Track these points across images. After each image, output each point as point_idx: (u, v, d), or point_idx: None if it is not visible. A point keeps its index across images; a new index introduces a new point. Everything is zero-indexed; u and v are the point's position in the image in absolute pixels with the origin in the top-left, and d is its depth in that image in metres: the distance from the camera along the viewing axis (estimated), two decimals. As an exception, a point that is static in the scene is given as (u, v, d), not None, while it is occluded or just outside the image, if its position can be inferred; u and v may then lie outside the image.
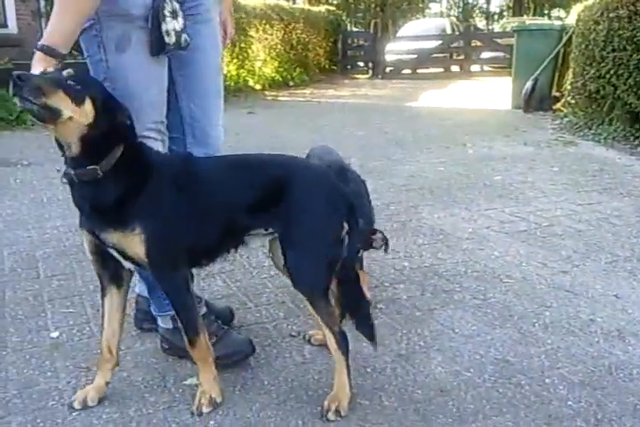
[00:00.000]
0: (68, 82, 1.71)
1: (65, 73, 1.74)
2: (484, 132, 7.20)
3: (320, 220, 1.99)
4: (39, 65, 1.80)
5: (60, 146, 1.80)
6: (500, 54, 14.89)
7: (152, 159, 1.92)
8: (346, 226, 2.00)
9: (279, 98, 11.85)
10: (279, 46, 14.31)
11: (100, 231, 1.85)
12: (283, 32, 14.45)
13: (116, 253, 1.91)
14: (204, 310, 2.35)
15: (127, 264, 1.96)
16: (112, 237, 1.85)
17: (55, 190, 4.44)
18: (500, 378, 2.15)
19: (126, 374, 2.19)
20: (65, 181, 1.87)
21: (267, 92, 12.53)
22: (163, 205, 1.89)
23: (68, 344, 2.41)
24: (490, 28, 22.82)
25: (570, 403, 2.00)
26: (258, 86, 12.79)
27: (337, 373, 2.00)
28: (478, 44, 16.40)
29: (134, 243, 1.84)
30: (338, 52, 17.29)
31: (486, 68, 16.63)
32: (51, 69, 1.77)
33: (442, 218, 3.94)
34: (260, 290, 2.90)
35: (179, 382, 2.15)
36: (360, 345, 2.37)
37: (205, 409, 1.96)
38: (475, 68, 16.46)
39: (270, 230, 2.05)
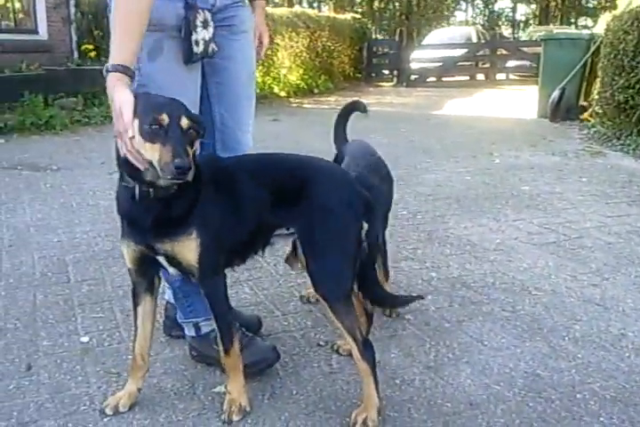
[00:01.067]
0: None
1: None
2: (510, 141, 7.16)
3: (339, 220, 1.98)
4: (121, 86, 1.78)
5: (131, 165, 1.77)
6: (527, 63, 14.80)
7: (197, 165, 1.94)
8: (365, 225, 2.00)
9: (304, 105, 11.89)
10: (304, 54, 14.36)
11: (155, 241, 1.87)
12: (308, 40, 14.51)
13: (164, 261, 1.93)
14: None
15: (172, 271, 1.97)
16: (167, 245, 1.87)
17: (85, 195, 4.49)
18: (530, 392, 2.13)
19: (156, 380, 2.21)
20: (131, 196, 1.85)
21: (291, 100, 12.58)
22: (211, 208, 1.92)
23: (98, 349, 2.43)
24: (516, 36, 22.70)
25: (602, 419, 1.97)
26: (283, 93, 12.84)
27: (364, 383, 1.98)
28: (504, 52, 16.31)
29: (189, 248, 1.86)
30: (363, 59, 17.31)
31: (512, 76, 16.56)
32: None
33: (469, 228, 3.92)
34: (288, 298, 2.90)
35: (208, 389, 2.15)
36: (388, 356, 2.37)
37: (235, 417, 1.97)
38: (500, 76, 16.38)
39: (292, 230, 2.06)
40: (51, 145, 6.93)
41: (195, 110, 2.19)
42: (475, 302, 2.84)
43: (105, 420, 1.99)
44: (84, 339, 2.51)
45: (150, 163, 1.70)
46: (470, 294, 2.93)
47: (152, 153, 1.69)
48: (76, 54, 11.55)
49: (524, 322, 2.64)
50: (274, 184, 2.01)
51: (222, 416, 1.98)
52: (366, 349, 1.96)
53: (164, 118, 1.68)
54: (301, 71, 14.09)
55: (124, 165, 1.81)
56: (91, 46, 11.26)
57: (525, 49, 15.05)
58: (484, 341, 2.49)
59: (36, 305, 2.83)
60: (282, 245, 3.49)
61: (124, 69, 1.80)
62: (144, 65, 2.04)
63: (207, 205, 1.90)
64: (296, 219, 2.00)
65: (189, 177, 1.69)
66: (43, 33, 11.19)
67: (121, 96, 1.75)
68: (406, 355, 2.38)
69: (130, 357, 2.14)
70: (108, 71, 1.81)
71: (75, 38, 11.69)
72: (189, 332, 2.33)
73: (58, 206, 4.26)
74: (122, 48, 1.84)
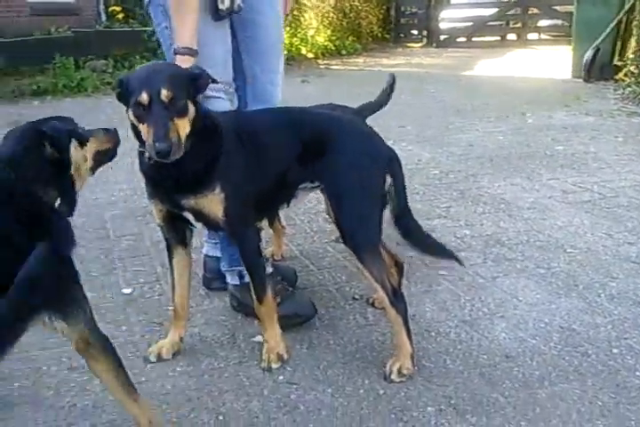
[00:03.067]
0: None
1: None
2: (543, 101, 7.02)
3: (364, 172, 2.00)
4: (185, 66, 1.94)
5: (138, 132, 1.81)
6: (559, 22, 14.38)
7: (217, 121, 1.96)
8: (389, 179, 2.02)
9: (332, 66, 11.74)
10: (332, 14, 14.12)
11: (180, 198, 1.91)
12: (335, 0, 14.25)
13: (191, 217, 1.96)
14: (270, 269, 2.40)
15: (199, 226, 2.01)
16: (192, 201, 1.90)
17: (120, 155, 4.52)
18: (566, 346, 2.14)
19: (197, 330, 2.27)
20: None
21: (319, 61, 12.43)
22: (235, 163, 1.94)
23: (140, 300, 2.50)
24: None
25: (638, 373, 1.98)
26: (310, 55, 12.68)
27: (395, 332, 2.02)
28: (536, 11, 15.82)
29: (214, 203, 1.89)
30: (391, 20, 16.97)
31: (544, 36, 16.07)
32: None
33: (502, 187, 3.90)
34: (322, 254, 2.94)
35: (248, 338, 2.21)
36: (423, 310, 2.40)
37: (274, 365, 2.03)
38: (532, 36, 15.92)
39: (317, 183, 2.10)
40: (83, 107, 6.97)
41: (226, 66, 2.22)
42: (509, 258, 2.84)
43: (149, 366, 2.06)
44: (127, 291, 2.58)
45: None
46: (504, 251, 2.93)
47: (144, 134, 1.73)
48: (103, 16, 11.54)
49: (559, 279, 2.64)
50: (297, 137, 2.03)
51: (262, 364, 2.04)
52: (396, 298, 1.99)
53: (144, 97, 1.70)
54: (329, 32, 13.87)
55: (133, 132, 1.85)
56: (118, 8, 11.22)
57: (558, 8, 14.57)
58: (519, 296, 2.50)
59: (78, 259, 2.89)
60: (315, 204, 3.53)
61: (189, 51, 1.99)
62: None
63: (229, 159, 1.92)
64: (321, 172, 2.03)
65: (173, 158, 1.70)
66: (71, -4, 11.19)
67: None
68: (441, 309, 2.41)
69: (170, 307, 2.21)
70: (175, 53, 2.00)
71: (102, 0, 11.66)
72: (232, 280, 2.38)
73: (93, 166, 4.33)
74: (181, 32, 2.01)
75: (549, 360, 2.07)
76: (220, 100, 2.19)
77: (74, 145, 1.83)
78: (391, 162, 2.05)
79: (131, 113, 1.76)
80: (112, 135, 1.85)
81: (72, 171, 1.66)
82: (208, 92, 2.09)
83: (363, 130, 2.14)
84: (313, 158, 2.02)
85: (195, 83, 1.81)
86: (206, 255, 2.57)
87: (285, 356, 2.07)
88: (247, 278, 2.29)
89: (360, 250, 1.98)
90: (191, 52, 1.99)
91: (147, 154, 1.82)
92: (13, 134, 1.62)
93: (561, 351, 2.12)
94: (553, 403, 1.84)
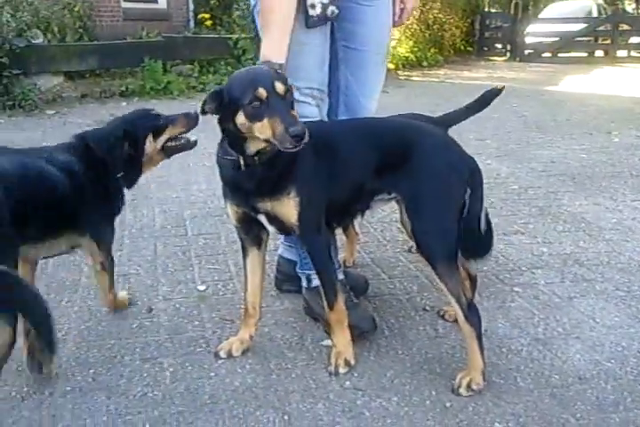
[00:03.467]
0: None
1: None
2: (630, 119, 6.78)
3: (444, 183, 1.99)
4: None
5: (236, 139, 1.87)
6: (652, 39, 13.90)
7: None
8: (468, 190, 1.99)
9: (412, 78, 11.72)
10: (415, 26, 14.09)
11: (256, 201, 1.95)
12: (419, 11, 14.20)
13: (265, 220, 2.00)
14: (341, 276, 2.42)
15: (272, 229, 2.04)
16: (267, 205, 1.94)
17: (200, 157, 4.64)
18: (644, 372, 2.06)
19: (267, 330, 2.31)
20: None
21: (399, 72, 12.42)
22: (310, 170, 1.97)
23: (213, 297, 2.56)
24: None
25: None
26: (391, 66, 12.69)
27: (468, 347, 1.99)
28: (626, 27, 15.35)
29: (288, 207, 1.92)
30: (474, 32, 16.80)
31: (634, 53, 15.57)
32: None
33: (583, 206, 3.78)
34: (394, 263, 2.93)
35: (316, 341, 2.23)
36: (495, 325, 2.36)
37: (342, 370, 2.03)
38: (621, 53, 15.44)
39: (393, 195, 2.08)
40: (168, 109, 7.16)
41: (317, 72, 2.23)
42: (588, 279, 2.76)
43: (219, 362, 2.10)
44: (201, 287, 2.65)
45: (267, 140, 1.75)
46: (583, 271, 2.84)
47: (265, 130, 1.73)
48: (192, 23, 11.90)
49: (640, 303, 2.54)
50: (377, 148, 2.03)
51: (329, 368, 2.05)
52: (471, 312, 1.96)
53: (262, 93, 1.71)
54: (411, 43, 13.85)
55: (229, 139, 1.88)
56: (207, 15, 11.55)
57: (651, 24, 14.12)
58: (596, 318, 2.42)
59: (156, 254, 3.00)
60: (388, 213, 3.53)
61: (268, 64, 1.93)
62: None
63: (306, 165, 1.94)
64: (399, 182, 2.01)
65: (304, 142, 1.72)
66: (162, 2, 11.61)
67: None
68: (514, 326, 2.36)
69: (243, 306, 2.25)
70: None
71: (192, 7, 12.04)
72: (303, 283, 2.41)
73: (176, 166, 4.45)
74: (266, 45, 2.00)
75: (625, 385, 1.99)
76: (307, 105, 2.20)
77: (149, 140, 2.34)
78: (472, 174, 2.03)
79: (241, 116, 1.75)
80: (190, 118, 2.36)
81: (144, 160, 2.33)
82: (296, 97, 2.13)
83: (443, 140, 2.12)
84: (392, 169, 2.02)
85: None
86: (281, 257, 2.60)
87: (352, 362, 2.07)
88: (315, 283, 2.33)
89: (437, 262, 1.96)
90: (271, 65, 1.94)
91: (241, 161, 1.87)
92: (110, 123, 2.39)
93: (637, 376, 2.03)
94: (627, 429, 1.78)
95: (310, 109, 2.22)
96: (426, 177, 1.99)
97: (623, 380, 2.02)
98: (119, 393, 1.95)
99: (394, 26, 2.39)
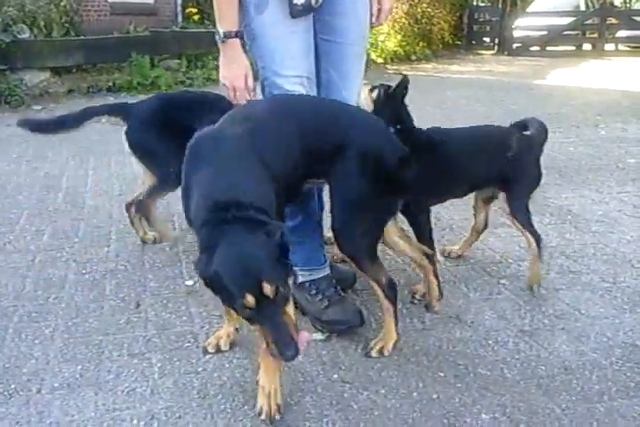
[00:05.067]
0: None
1: None
2: (617, 113, 6.82)
3: (364, 175, 1.93)
4: (240, 50, 2.16)
5: None
6: (638, 33, 13.92)
7: None
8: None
9: (401, 72, 11.71)
10: (403, 20, 14.07)
11: None
12: (408, 5, 14.19)
13: None
14: (327, 270, 2.43)
15: None
16: None
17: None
18: (629, 362, 2.08)
19: (255, 324, 2.31)
20: None
21: (388, 66, 12.42)
22: None
23: (201, 292, 2.55)
24: (627, 5, 21.17)
25: None
26: (380, 60, 12.69)
27: (385, 319, 2.14)
28: (614, 21, 15.38)
29: None
30: (463, 26, 16.79)
31: (622, 47, 15.61)
32: None
33: (570, 199, 3.80)
34: (381, 257, 2.90)
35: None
36: (482, 318, 2.38)
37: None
38: (609, 47, 15.47)
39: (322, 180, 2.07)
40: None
41: (304, 59, 2.23)
42: (573, 271, 2.78)
43: (207, 357, 2.11)
44: (189, 282, 2.65)
45: None
46: (569, 263, 2.86)
47: (262, 335, 1.61)
48: (180, 17, 11.84)
49: (625, 294, 2.56)
50: (318, 135, 1.96)
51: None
52: (389, 288, 2.10)
53: (250, 301, 1.51)
54: (399, 37, 13.84)
55: None
56: (194, 10, 11.50)
57: (638, 18, 14.15)
58: (582, 309, 2.44)
59: (144, 250, 3.00)
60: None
61: (237, 34, 2.12)
62: (252, 19, 2.15)
63: None
64: (329, 172, 1.97)
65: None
66: (148, -3, 11.51)
67: (244, 60, 2.17)
68: (500, 318, 2.38)
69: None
70: (225, 37, 2.12)
71: (179, 2, 11.97)
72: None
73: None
74: (228, 16, 2.13)
75: (610, 375, 2.01)
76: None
77: None
78: (403, 163, 2.00)
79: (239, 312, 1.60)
80: None
81: None
82: (286, 86, 2.16)
83: (374, 126, 2.09)
84: (323, 156, 1.95)
85: (282, 248, 1.61)
86: None
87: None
88: (300, 279, 2.39)
89: (356, 259, 2.07)
90: (240, 34, 2.13)
91: None
92: None
93: (622, 367, 2.06)
94: (611, 418, 1.80)
95: None
96: (345, 169, 1.94)
97: (608, 370, 2.04)
98: (107, 389, 1.95)
99: (371, 27, 2.37)
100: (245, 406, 1.86)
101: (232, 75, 2.17)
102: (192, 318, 2.36)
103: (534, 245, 2.58)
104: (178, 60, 9.18)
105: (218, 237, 1.58)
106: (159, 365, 2.07)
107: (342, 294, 2.41)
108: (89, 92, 7.97)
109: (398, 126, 2.45)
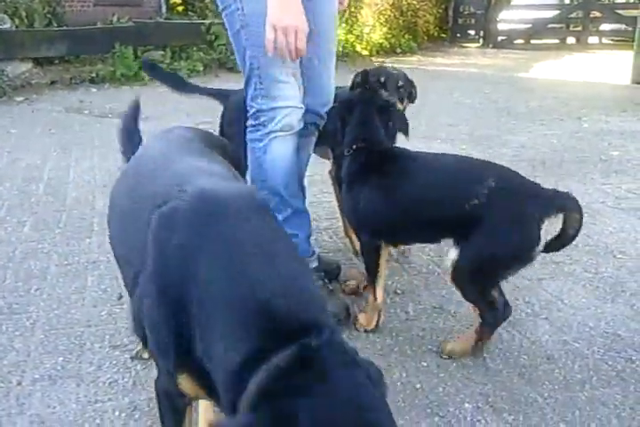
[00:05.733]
0: None
1: None
2: (600, 106, 6.86)
3: None
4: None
5: None
6: (622, 26, 13.99)
7: None
8: None
9: (386, 64, 11.69)
10: (389, 12, 14.05)
11: None
12: (394, -2, 14.18)
13: None
14: (315, 264, 2.42)
15: None
16: None
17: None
18: (610, 351, 2.10)
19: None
20: None
21: (373, 59, 12.39)
22: None
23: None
24: (612, -2, 21.38)
25: (683, 382, 1.93)
26: (365, 52, 12.67)
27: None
28: (598, 15, 15.45)
29: None
30: (448, 19, 16.80)
31: (605, 40, 15.69)
32: None
33: (553, 190, 3.82)
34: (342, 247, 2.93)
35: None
36: (466, 309, 2.37)
37: None
38: (593, 40, 15.55)
39: None
40: (139, 95, 7.12)
41: None
42: (556, 261, 2.79)
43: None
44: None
45: None
46: (552, 253, 2.87)
47: None
48: (164, 9, 11.72)
49: (607, 284, 2.58)
50: None
51: None
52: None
53: None
54: (385, 30, 13.82)
55: None
56: (179, 1, 11.40)
57: (621, 11, 14.21)
58: (564, 299, 2.46)
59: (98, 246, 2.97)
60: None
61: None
62: (247, 4, 2.06)
63: None
64: None
65: None
66: (133, -13, 11.39)
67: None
68: (483, 308, 2.38)
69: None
70: None
71: (164, -7, 11.86)
72: None
73: (146, 152, 4.41)
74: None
75: (592, 364, 2.03)
76: (289, 86, 2.17)
77: None
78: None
79: None
80: None
81: None
82: (280, 77, 2.12)
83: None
84: None
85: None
86: None
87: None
88: None
89: None
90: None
91: None
92: None
93: (604, 356, 2.07)
94: (593, 407, 1.81)
95: (294, 91, 2.19)
96: None
97: (590, 359, 2.06)
98: (89, 381, 1.93)
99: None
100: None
101: (292, 15, 1.93)
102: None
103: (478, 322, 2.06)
104: (162, 52, 9.09)
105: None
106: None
107: (330, 287, 2.41)
108: (71, 84, 7.88)
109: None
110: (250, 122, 2.26)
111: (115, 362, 2.02)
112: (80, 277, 2.61)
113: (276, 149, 2.24)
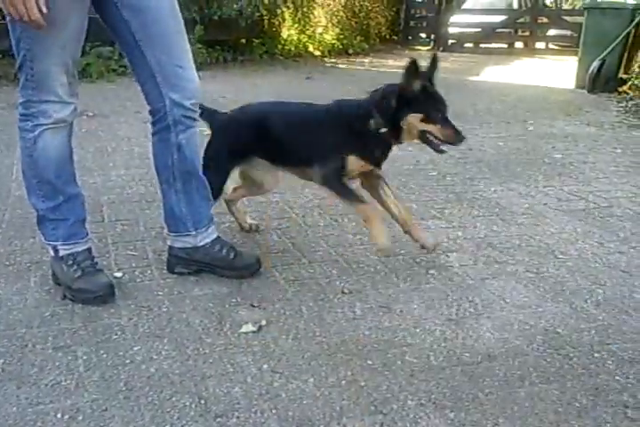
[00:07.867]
0: None
1: None
2: (545, 109, 7.05)
3: None
4: None
5: None
6: (567, 32, 14.39)
7: None
8: None
9: (338, 65, 11.76)
10: (341, 13, 14.14)
11: None
12: (346, -2, 14.27)
13: None
14: (88, 244, 2.47)
15: None
16: None
17: (119, 141, 4.57)
18: (549, 349, 2.16)
19: (185, 315, 2.29)
20: None
21: (326, 59, 12.45)
22: None
23: (130, 284, 2.51)
24: (558, 4, 21.91)
25: (617, 378, 2.00)
26: (317, 53, 12.72)
27: None
28: (545, 20, 15.86)
29: None
30: (400, 22, 16.98)
31: (551, 46, 16.12)
32: None
33: (498, 192, 3.92)
34: (315, 248, 2.95)
35: (235, 327, 2.22)
36: (411, 307, 2.42)
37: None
38: (540, 45, 15.95)
39: None
40: (87, 92, 6.91)
41: (77, 45, 2.26)
42: (499, 261, 2.86)
43: (135, 349, 2.07)
44: (118, 274, 2.59)
45: None
46: (495, 254, 2.95)
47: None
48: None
49: (548, 283, 2.66)
50: None
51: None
52: None
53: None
54: (337, 31, 13.89)
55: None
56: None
57: (567, 18, 14.62)
58: (507, 298, 2.52)
59: (71, 241, 2.91)
60: (310, 198, 3.55)
61: None
62: None
63: None
64: None
65: None
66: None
67: None
68: (428, 307, 2.43)
69: (160, 293, 2.22)
70: None
71: (112, -13, 11.62)
72: (50, 253, 2.45)
73: (93, 150, 4.34)
74: None
75: (531, 361, 2.08)
76: (60, 83, 2.20)
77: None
78: None
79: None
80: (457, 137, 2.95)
81: None
82: (51, 71, 2.17)
83: None
84: None
85: None
86: (171, 248, 2.62)
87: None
88: (61, 253, 2.41)
89: None
90: None
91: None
92: None
93: (543, 353, 2.13)
94: (531, 402, 1.86)
95: (64, 87, 2.23)
96: None
97: (529, 356, 2.11)
98: (30, 383, 1.89)
99: None
100: (173, 398, 1.84)
101: None
102: (119, 310, 2.32)
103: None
104: (110, 48, 8.90)
105: None
106: (85, 358, 2.02)
107: (98, 267, 2.45)
108: (17, 79, 7.65)
109: None
110: (20, 110, 2.27)
111: (57, 364, 1.99)
112: (22, 278, 2.55)
113: (46, 139, 2.27)
